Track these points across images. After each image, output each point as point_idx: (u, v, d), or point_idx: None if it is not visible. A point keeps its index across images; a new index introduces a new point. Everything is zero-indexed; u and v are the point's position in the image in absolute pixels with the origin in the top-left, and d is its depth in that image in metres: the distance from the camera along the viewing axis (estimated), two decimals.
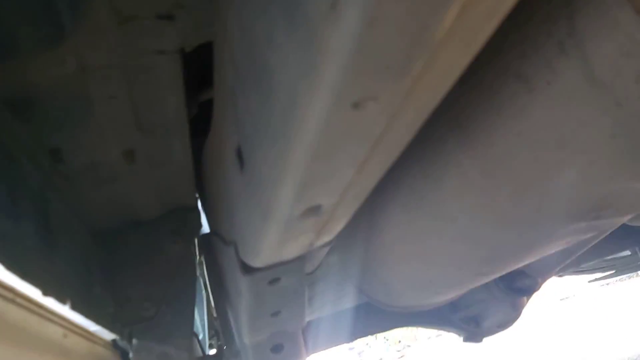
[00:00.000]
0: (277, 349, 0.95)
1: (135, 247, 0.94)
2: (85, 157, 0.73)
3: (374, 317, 1.51)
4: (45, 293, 0.56)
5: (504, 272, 0.92)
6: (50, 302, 0.60)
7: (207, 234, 1.04)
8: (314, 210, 0.50)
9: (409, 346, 11.83)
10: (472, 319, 1.66)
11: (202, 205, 1.06)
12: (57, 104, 0.62)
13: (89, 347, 0.84)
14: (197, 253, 1.07)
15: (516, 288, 1.49)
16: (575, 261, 1.79)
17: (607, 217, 0.64)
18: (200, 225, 1.03)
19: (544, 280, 1.60)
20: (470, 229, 0.70)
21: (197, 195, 1.01)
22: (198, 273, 1.22)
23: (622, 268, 2.06)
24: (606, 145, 0.51)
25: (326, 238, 0.65)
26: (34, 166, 0.64)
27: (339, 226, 0.60)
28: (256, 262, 0.70)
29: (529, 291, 1.52)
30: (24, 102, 0.59)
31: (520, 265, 0.88)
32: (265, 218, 0.55)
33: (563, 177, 0.54)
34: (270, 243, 0.60)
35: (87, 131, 0.69)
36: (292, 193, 0.45)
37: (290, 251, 0.66)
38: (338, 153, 0.36)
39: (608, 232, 1.08)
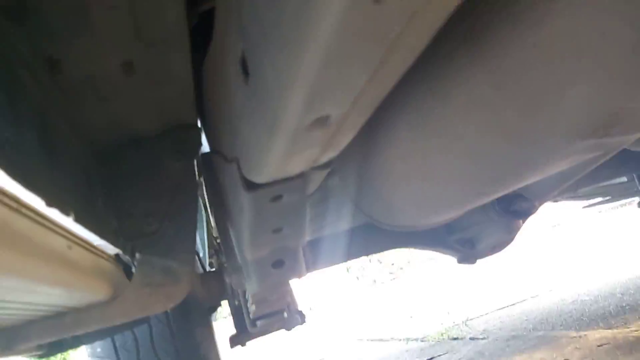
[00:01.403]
0: (277, 264, 0.97)
1: (136, 164, 0.94)
2: (83, 68, 0.71)
3: (371, 237, 1.54)
4: (49, 203, 0.56)
5: (505, 192, 0.92)
6: (54, 214, 0.60)
7: (207, 153, 1.03)
8: (322, 121, 0.49)
9: (401, 269, 12.21)
10: (468, 240, 1.69)
11: (202, 124, 1.04)
12: (54, 10, 0.59)
13: (93, 259, 0.85)
14: (197, 173, 1.07)
15: (513, 210, 1.51)
16: (573, 186, 1.81)
17: (615, 135, 0.63)
18: (200, 144, 1.02)
19: (541, 203, 1.62)
20: (476, 146, 0.69)
21: (197, 113, 0.99)
22: (198, 193, 1.22)
23: (618, 194, 2.08)
24: (626, 60, 0.49)
25: (331, 153, 0.64)
26: (32, 77, 0.62)
27: (345, 140, 0.59)
28: (259, 178, 0.69)
29: (525, 214, 1.55)
30: (19, 5, 0.56)
31: (522, 185, 0.89)
32: (271, 131, 0.53)
33: (577, 91, 0.52)
34: (275, 157, 0.59)
35: (86, 41, 0.66)
36: (300, 102, 0.44)
37: (295, 166, 0.65)
38: (352, 56, 0.35)
39: (609, 156, 1.08)
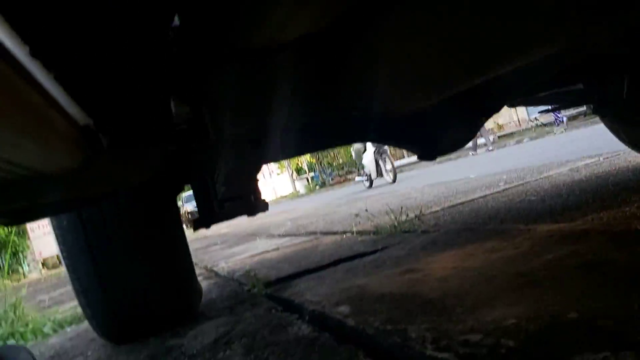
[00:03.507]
0: (255, 143, 0.96)
1: None
2: None
3: (340, 130, 1.54)
4: (34, 54, 0.52)
5: (486, 75, 0.93)
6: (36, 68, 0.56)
7: None
8: None
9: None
10: (430, 137, 1.72)
11: None
12: None
13: (67, 124, 0.81)
14: None
15: (481, 107, 1.54)
16: (533, 87, 1.85)
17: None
18: None
19: (504, 103, 1.66)
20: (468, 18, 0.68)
21: None
22: None
23: (570, 102, 2.15)
24: None
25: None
26: None
27: None
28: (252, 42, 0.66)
29: (491, 111, 1.58)
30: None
31: (504, 68, 0.89)
32: None
33: None
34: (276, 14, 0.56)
35: None
36: None
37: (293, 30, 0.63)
38: None
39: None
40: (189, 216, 20.59)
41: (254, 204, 1.51)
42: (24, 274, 12.20)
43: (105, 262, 1.26)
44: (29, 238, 14.31)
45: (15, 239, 13.84)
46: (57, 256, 14.07)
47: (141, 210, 1.29)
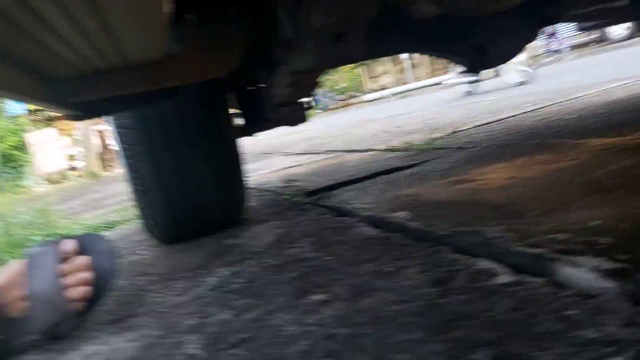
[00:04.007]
0: (340, 37, 0.93)
1: None
2: None
3: (395, 36, 1.49)
4: None
5: None
6: None
7: None
8: None
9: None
10: (480, 47, 1.67)
11: None
12: None
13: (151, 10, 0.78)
14: None
15: (539, 15, 1.48)
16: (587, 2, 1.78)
17: None
18: None
19: (562, 13, 1.60)
20: None
21: None
22: None
23: (619, 18, 2.08)
24: None
25: None
26: None
27: None
28: None
29: (548, 20, 1.53)
30: None
31: None
32: None
33: None
34: None
35: None
36: None
37: None
38: None
39: None
40: None
41: (302, 112, 1.50)
42: (28, 189, 12.29)
43: (166, 162, 1.26)
44: (31, 153, 14.32)
45: (18, 153, 13.87)
46: (60, 172, 14.17)
47: (202, 112, 1.27)
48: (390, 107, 9.46)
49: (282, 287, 0.90)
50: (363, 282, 0.82)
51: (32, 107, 16.73)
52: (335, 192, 1.78)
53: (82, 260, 0.91)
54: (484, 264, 0.78)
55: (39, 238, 2.42)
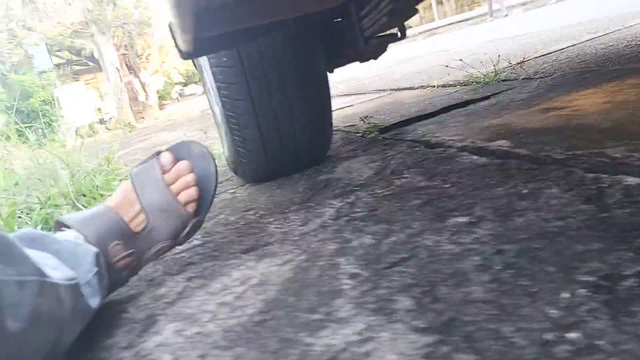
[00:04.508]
0: None
1: None
2: None
3: None
4: None
5: None
6: None
7: None
8: None
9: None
10: None
11: None
12: None
13: None
14: None
15: None
16: None
17: None
18: None
19: None
20: None
21: None
22: None
23: None
24: None
25: None
26: None
27: None
28: None
29: None
30: None
31: None
32: None
33: None
34: None
35: None
36: None
37: None
38: None
39: None
40: None
41: (386, 44, 1.47)
42: (60, 143, 12.52)
43: (262, 100, 1.27)
44: (61, 107, 14.49)
45: (49, 108, 14.03)
46: (89, 125, 14.35)
47: (298, 48, 1.27)
48: (421, 46, 9.22)
49: (412, 213, 0.92)
50: (503, 204, 0.84)
51: (58, 61, 16.78)
52: (409, 127, 1.78)
53: (183, 165, 0.94)
54: (632, 180, 0.79)
55: (110, 184, 2.49)
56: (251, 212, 1.23)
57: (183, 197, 0.92)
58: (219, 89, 1.28)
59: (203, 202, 0.96)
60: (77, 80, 16.60)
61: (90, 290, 0.78)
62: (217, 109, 1.41)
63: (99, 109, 14.45)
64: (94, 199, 2.40)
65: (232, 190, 1.52)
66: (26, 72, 13.99)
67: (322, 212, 1.08)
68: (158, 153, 0.97)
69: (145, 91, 14.71)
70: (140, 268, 0.93)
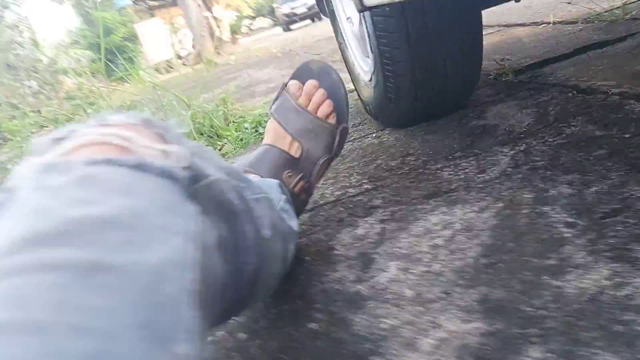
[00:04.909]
0: None
1: None
2: None
3: None
4: None
5: None
6: None
7: None
8: None
9: None
10: None
11: None
12: None
13: None
14: None
15: None
16: None
17: None
18: None
19: None
20: None
21: None
22: None
23: None
24: None
25: None
26: None
27: None
28: None
29: None
30: None
31: None
32: None
33: None
34: None
35: None
36: None
37: None
38: None
39: None
40: (286, 18, 20.25)
41: None
42: (142, 79, 12.91)
43: (420, 48, 1.30)
44: (140, 44, 14.89)
45: (129, 44, 14.46)
46: (167, 62, 14.71)
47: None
48: None
49: (602, 163, 0.95)
50: None
51: None
52: (545, 70, 1.75)
53: (310, 85, 1.01)
54: None
55: (228, 124, 2.62)
56: (412, 158, 1.29)
57: (321, 112, 1.01)
58: (376, 37, 1.32)
59: (340, 110, 1.03)
60: (153, 16, 16.89)
61: (286, 215, 0.87)
62: (363, 60, 1.46)
63: (178, 43, 14.73)
64: (211, 137, 2.54)
65: (375, 135, 1.58)
66: (106, 9, 14.38)
67: (496, 160, 1.12)
68: (285, 84, 1.04)
69: (218, 26, 14.81)
70: (313, 187, 1.04)
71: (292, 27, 19.75)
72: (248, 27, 26.22)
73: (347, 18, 1.75)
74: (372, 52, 1.40)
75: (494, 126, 1.32)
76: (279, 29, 22.81)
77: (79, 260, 0.30)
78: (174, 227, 0.37)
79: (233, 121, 2.76)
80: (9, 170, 3.28)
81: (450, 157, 1.21)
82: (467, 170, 1.11)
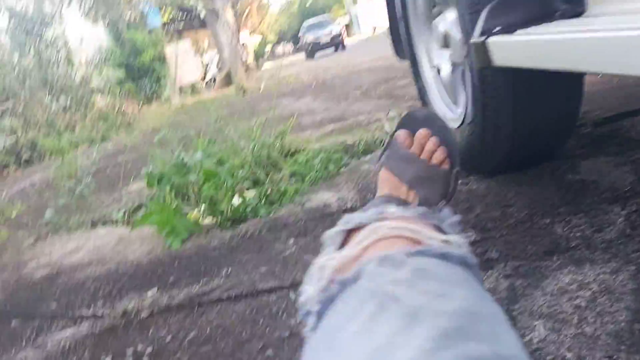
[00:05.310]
0: None
1: None
2: None
3: None
4: None
5: None
6: None
7: None
8: None
9: None
10: None
11: None
12: None
13: None
14: None
15: None
16: None
17: None
18: None
19: None
20: None
21: None
22: None
23: None
24: None
25: None
26: None
27: None
28: None
29: None
30: None
31: None
32: None
33: None
34: None
35: None
36: None
37: None
38: None
39: None
40: (309, 47, 20.57)
41: None
42: (169, 101, 13.11)
43: (523, 101, 1.35)
44: (168, 66, 15.16)
45: (157, 65, 14.74)
46: (193, 84, 14.98)
47: None
48: None
49: None
50: None
51: (166, 19, 17.47)
52: (625, 123, 1.78)
53: (422, 134, 1.02)
54: None
55: (283, 158, 2.68)
56: (513, 209, 1.33)
57: (435, 159, 1.01)
58: (482, 93, 1.37)
59: (452, 154, 1.03)
60: (181, 38, 17.24)
61: None
62: (449, 107, 1.50)
63: (206, 67, 14.99)
64: (265, 167, 2.59)
65: (462, 181, 1.62)
66: (137, 30, 14.69)
67: (609, 218, 1.15)
68: (392, 135, 1.06)
69: (246, 51, 15.09)
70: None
71: (316, 55, 20.06)
72: (269, 52, 26.60)
73: (433, 66, 1.81)
74: (469, 102, 1.45)
75: (594, 182, 1.35)
76: (301, 56, 23.16)
77: (486, 354, 0.34)
78: (500, 315, 0.41)
79: (291, 154, 2.82)
80: (61, 186, 3.35)
81: (556, 213, 1.24)
82: (582, 227, 1.14)
